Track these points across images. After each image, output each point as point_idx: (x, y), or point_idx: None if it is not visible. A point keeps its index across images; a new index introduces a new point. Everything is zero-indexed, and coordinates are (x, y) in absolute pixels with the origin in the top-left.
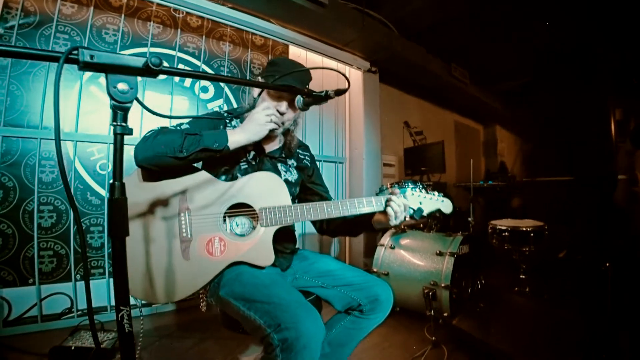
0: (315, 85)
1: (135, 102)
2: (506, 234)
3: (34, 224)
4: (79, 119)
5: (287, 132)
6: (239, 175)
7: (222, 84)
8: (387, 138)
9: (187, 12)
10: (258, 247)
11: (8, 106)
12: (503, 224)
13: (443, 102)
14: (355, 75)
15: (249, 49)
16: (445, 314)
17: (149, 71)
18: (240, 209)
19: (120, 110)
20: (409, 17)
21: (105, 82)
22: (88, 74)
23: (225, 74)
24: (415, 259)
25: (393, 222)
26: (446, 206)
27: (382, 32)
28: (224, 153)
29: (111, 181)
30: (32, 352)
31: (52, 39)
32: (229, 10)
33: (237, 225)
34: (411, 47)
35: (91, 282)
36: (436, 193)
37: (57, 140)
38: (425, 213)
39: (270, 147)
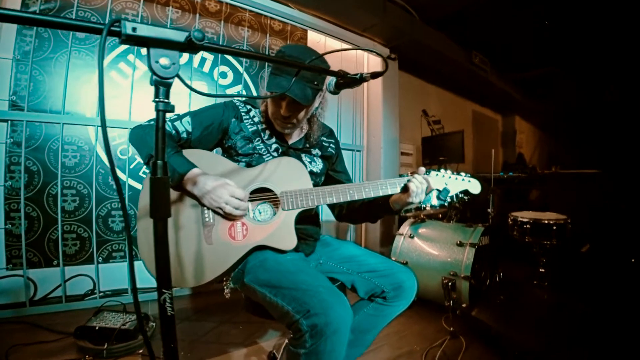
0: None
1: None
2: (528, 226)
3: (58, 207)
4: None
5: (311, 117)
6: None
7: (240, 70)
8: (405, 126)
9: None
10: (280, 230)
11: (31, 91)
12: (525, 216)
13: (462, 91)
14: (374, 62)
15: (267, 34)
16: (464, 305)
17: (191, 46)
18: (262, 193)
19: (162, 86)
20: (431, 3)
21: (136, 57)
22: (108, 59)
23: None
24: (434, 249)
25: (412, 200)
26: (474, 186)
27: (403, 18)
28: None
29: (153, 160)
30: (57, 331)
31: None
32: None
33: (260, 213)
34: (432, 34)
35: (112, 264)
36: (462, 173)
37: (104, 127)
38: (452, 194)
39: (293, 139)
